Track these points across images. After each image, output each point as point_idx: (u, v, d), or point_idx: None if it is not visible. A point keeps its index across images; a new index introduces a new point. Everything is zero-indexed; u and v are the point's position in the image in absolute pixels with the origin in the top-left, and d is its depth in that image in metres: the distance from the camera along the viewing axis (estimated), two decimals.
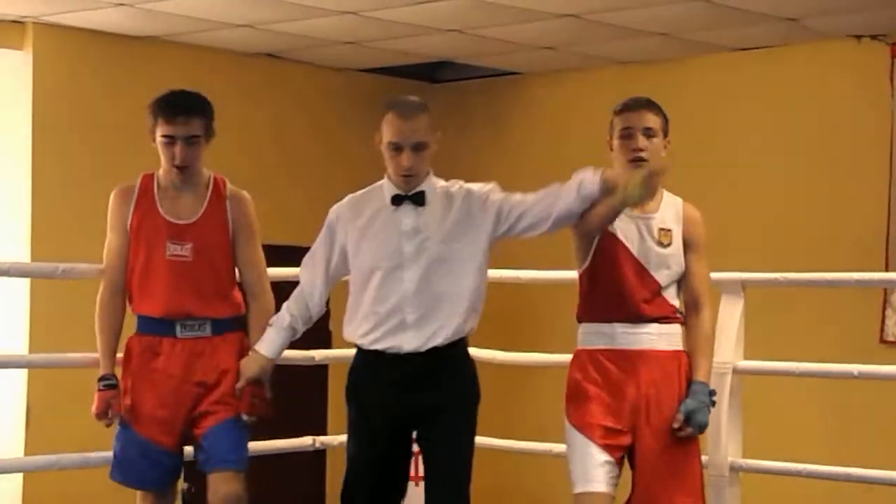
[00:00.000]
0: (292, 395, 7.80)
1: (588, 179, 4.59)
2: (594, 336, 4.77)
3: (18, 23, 8.26)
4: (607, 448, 4.56)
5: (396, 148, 4.58)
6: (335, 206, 4.88)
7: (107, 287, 4.92)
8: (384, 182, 4.76)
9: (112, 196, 4.90)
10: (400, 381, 4.66)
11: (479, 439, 5.24)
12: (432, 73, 9.64)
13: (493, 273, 5.57)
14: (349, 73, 9.75)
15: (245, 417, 4.85)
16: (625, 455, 4.62)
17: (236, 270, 5.01)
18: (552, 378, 8.18)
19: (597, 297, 4.76)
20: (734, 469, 5.68)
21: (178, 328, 4.80)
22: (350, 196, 4.85)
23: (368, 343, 4.68)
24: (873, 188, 8.13)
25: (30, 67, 8.65)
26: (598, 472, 4.57)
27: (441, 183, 4.78)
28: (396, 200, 4.66)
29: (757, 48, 8.71)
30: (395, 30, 8.41)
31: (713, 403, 4.84)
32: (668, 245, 4.78)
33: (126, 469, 4.93)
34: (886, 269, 7.76)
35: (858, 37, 8.12)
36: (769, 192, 8.89)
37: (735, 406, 5.65)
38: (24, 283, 9.02)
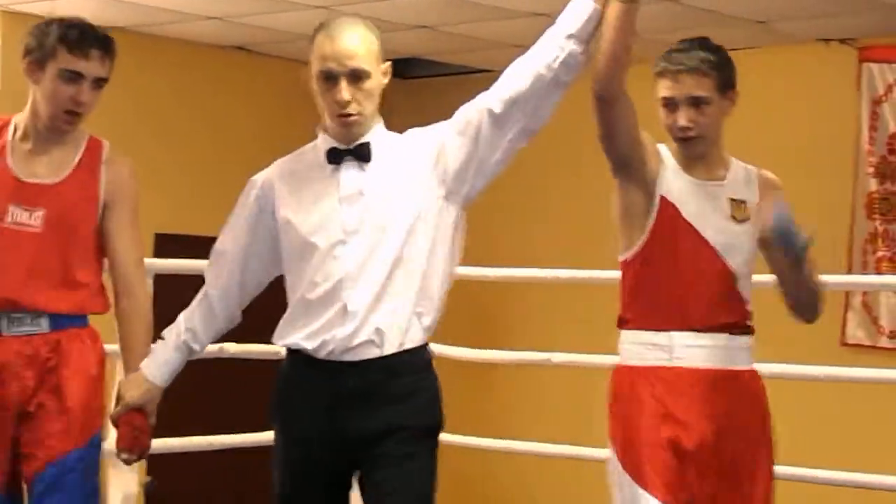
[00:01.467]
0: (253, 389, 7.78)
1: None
2: (643, 349, 3.79)
3: None
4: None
5: (328, 77, 3.74)
6: (255, 176, 4.06)
7: None
8: (319, 137, 3.97)
9: None
10: (338, 396, 3.76)
11: (447, 437, 5.09)
12: (401, 69, 9.47)
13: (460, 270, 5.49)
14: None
15: (122, 455, 3.92)
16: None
17: (104, 257, 3.99)
18: (517, 377, 8.20)
19: (647, 293, 3.81)
20: None
21: (3, 323, 3.80)
22: (277, 161, 4.09)
23: (298, 341, 3.80)
24: (838, 191, 8.20)
25: None
26: None
27: (393, 135, 3.97)
28: (334, 156, 3.83)
29: (727, 50, 8.62)
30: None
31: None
32: (744, 221, 3.86)
33: None
34: (849, 272, 7.86)
35: (827, 40, 8.12)
36: None
37: None
38: None
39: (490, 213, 8.90)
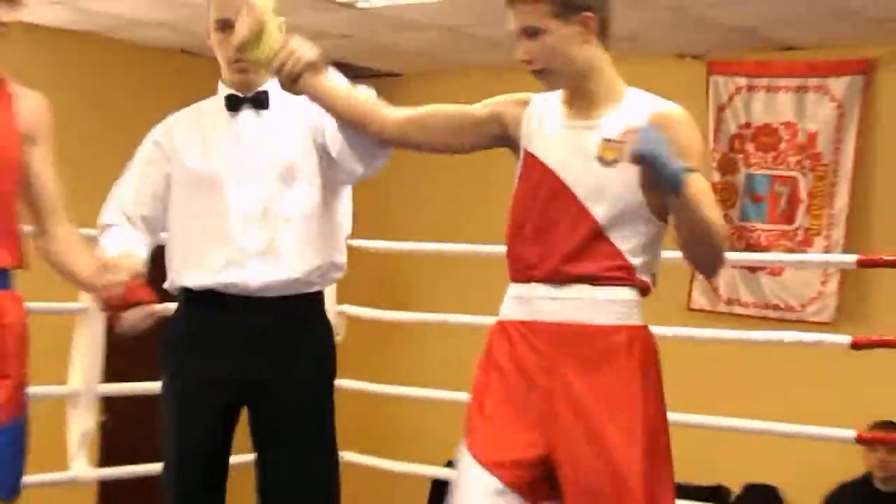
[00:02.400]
0: None
1: None
2: (510, 303, 3.34)
3: None
4: (510, 477, 3.16)
5: (224, 26, 3.65)
6: (157, 126, 3.98)
7: None
8: (219, 85, 3.92)
9: None
10: (232, 338, 3.70)
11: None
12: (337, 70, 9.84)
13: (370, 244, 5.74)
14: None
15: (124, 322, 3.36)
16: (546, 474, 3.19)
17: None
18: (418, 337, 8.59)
19: (514, 243, 3.33)
20: None
21: None
22: (179, 113, 4.02)
23: (194, 281, 3.75)
24: None
25: None
26: None
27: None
28: (233, 103, 3.81)
29: None
30: (302, 33, 8.56)
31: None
32: (614, 163, 3.15)
33: None
34: None
35: (682, 56, 8.50)
36: None
37: None
38: None
39: (390, 189, 9.13)
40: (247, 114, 3.80)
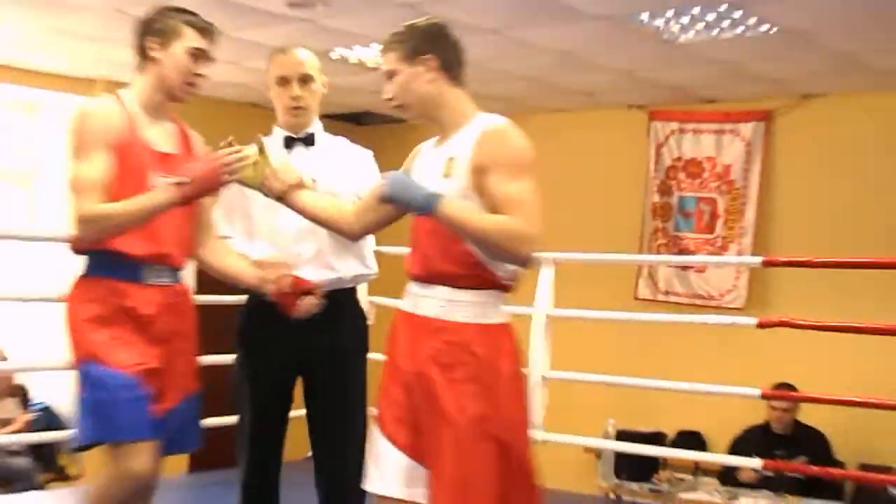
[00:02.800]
0: None
1: None
2: (405, 296, 3.24)
3: (91, 80, 7.99)
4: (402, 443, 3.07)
5: (283, 81, 3.79)
6: None
7: None
8: (275, 129, 3.91)
9: None
10: (293, 323, 3.55)
11: None
12: (357, 118, 9.54)
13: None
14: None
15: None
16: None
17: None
18: None
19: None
20: (544, 379, 5.66)
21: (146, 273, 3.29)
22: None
23: None
24: (636, 201, 8.42)
25: None
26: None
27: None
28: (288, 142, 3.84)
29: (564, 111, 8.77)
30: (340, 89, 8.47)
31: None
32: (449, 177, 3.09)
33: None
34: (640, 252, 8.18)
35: (630, 106, 8.42)
36: (561, 211, 8.46)
37: (547, 337, 5.66)
38: None
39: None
40: (299, 150, 3.81)
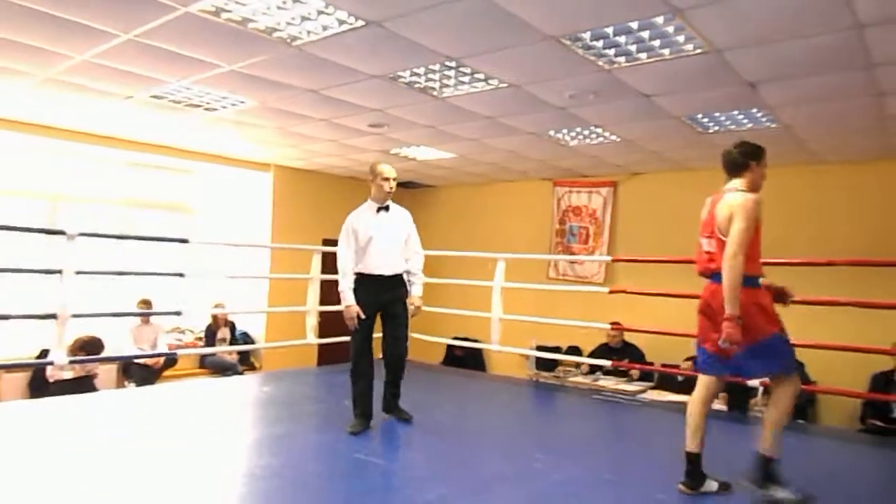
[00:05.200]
0: None
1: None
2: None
3: (266, 164, 8.00)
4: None
5: (387, 178, 3.85)
6: (350, 217, 3.89)
7: None
8: (369, 202, 3.90)
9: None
10: (380, 287, 3.80)
11: None
12: (405, 184, 9.28)
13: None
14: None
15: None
16: None
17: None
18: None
19: None
20: (500, 319, 5.52)
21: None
22: (354, 212, 3.89)
23: (369, 270, 3.82)
24: (546, 231, 8.20)
25: (271, 181, 8.05)
26: None
27: (395, 205, 3.98)
28: (378, 209, 3.88)
29: (511, 181, 8.55)
30: (397, 169, 8.60)
31: None
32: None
33: None
34: (550, 252, 8.16)
35: (543, 179, 8.24)
36: (510, 233, 8.52)
37: (500, 297, 5.54)
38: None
39: (429, 226, 9.02)
40: (382, 213, 3.89)
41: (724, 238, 2.69)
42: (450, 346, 8.31)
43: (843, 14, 3.12)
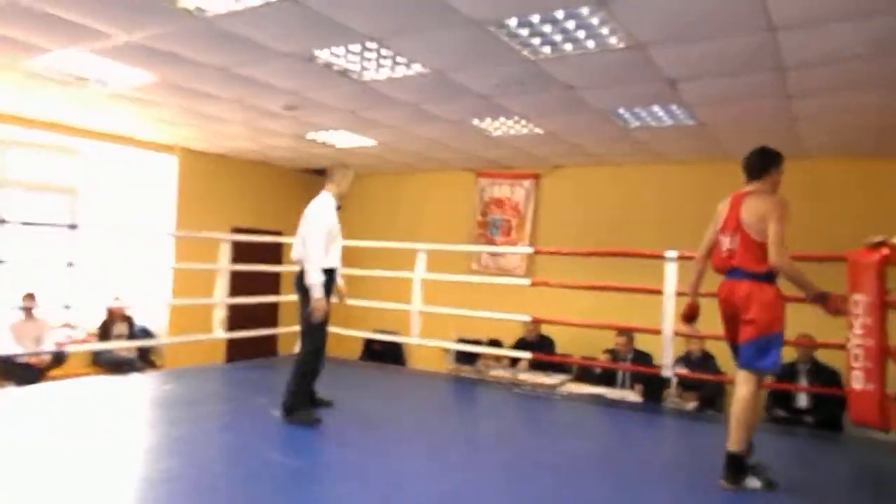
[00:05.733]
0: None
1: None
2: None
3: (170, 146, 7.64)
4: None
5: (350, 185, 4.02)
6: (326, 211, 3.86)
7: None
8: (331, 197, 3.92)
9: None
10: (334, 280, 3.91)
11: None
12: (321, 171, 9.41)
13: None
14: (293, 170, 9.09)
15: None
16: None
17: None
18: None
19: None
20: (420, 311, 5.50)
21: None
22: (326, 206, 3.85)
23: (330, 265, 3.87)
24: (469, 221, 8.23)
25: (176, 164, 7.70)
26: None
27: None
28: (338, 207, 3.97)
29: (433, 171, 8.51)
30: (313, 155, 8.02)
31: None
32: None
33: None
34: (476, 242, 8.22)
35: (465, 169, 8.26)
36: (433, 224, 8.55)
37: (422, 289, 5.52)
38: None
39: (353, 218, 9.10)
40: (338, 212, 3.97)
41: (753, 237, 2.90)
42: (368, 341, 8.23)
43: (759, 17, 3.27)
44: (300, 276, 3.82)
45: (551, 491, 2.79)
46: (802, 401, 5.36)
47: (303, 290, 3.78)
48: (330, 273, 3.83)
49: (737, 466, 2.90)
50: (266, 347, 8.27)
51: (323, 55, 4.26)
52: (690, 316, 3.33)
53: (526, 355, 5.78)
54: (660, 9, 3.29)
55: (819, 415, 5.13)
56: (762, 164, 3.06)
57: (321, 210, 3.83)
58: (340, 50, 4.15)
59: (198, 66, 4.54)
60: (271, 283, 8.34)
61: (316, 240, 3.72)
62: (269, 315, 8.23)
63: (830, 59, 3.73)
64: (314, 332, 3.78)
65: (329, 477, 2.83)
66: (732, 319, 2.99)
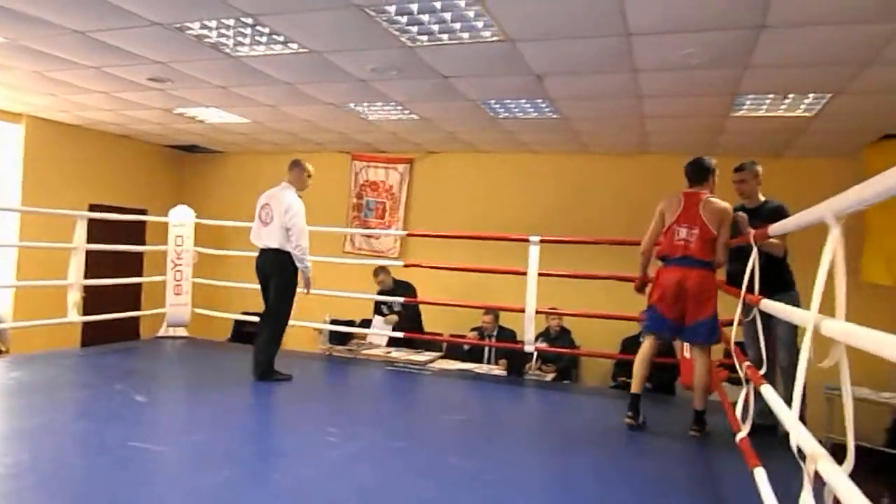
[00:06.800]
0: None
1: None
2: None
3: (16, 114, 7.10)
4: None
5: (309, 176, 4.26)
6: (299, 199, 4.14)
7: None
8: (294, 189, 4.19)
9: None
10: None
11: None
12: (189, 149, 8.80)
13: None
14: (159, 146, 8.69)
15: None
16: None
17: None
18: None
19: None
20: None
21: None
22: (298, 196, 4.14)
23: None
24: (343, 204, 8.18)
25: (23, 134, 7.15)
26: None
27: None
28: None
29: (309, 152, 8.22)
30: (180, 131, 7.76)
31: None
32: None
33: None
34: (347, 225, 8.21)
35: (341, 152, 8.15)
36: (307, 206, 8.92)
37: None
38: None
39: (216, 205, 8.81)
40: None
41: (711, 233, 3.27)
42: (238, 322, 7.91)
43: (617, 21, 3.48)
44: (272, 259, 4.13)
45: (432, 463, 2.82)
46: None
47: (278, 271, 4.11)
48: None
49: (702, 419, 3.36)
50: (128, 331, 7.77)
51: (194, 27, 3.99)
52: (641, 287, 3.73)
53: (396, 334, 5.81)
54: (530, 7, 3.39)
55: (655, 381, 5.58)
56: (706, 172, 3.41)
57: (297, 200, 4.12)
58: (213, 23, 3.91)
59: (51, 27, 4.09)
60: (134, 264, 7.84)
61: (301, 223, 4.07)
62: (131, 297, 7.76)
63: (676, 65, 4.04)
64: (286, 308, 4.17)
65: (197, 463, 2.67)
66: (679, 300, 3.27)
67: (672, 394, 5.52)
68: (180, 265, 5.94)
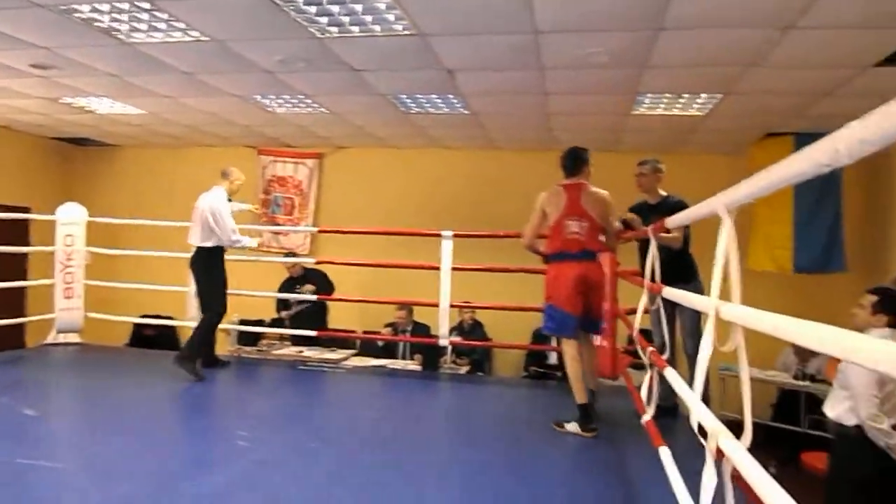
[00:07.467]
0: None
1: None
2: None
3: None
4: None
5: (240, 185, 4.47)
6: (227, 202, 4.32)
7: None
8: (225, 194, 4.39)
9: None
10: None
11: None
12: (78, 141, 8.25)
13: None
14: (44, 139, 8.11)
15: None
16: None
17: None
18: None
19: None
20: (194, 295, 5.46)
21: None
22: (225, 199, 4.29)
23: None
24: (251, 202, 8.06)
25: None
26: None
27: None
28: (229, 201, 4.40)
29: (212, 146, 8.01)
30: (67, 122, 7.33)
31: None
32: None
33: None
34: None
35: (248, 146, 7.83)
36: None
37: None
38: None
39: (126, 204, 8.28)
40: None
41: (598, 223, 3.27)
42: (137, 325, 7.46)
43: (525, 19, 3.54)
44: (195, 255, 4.28)
45: (338, 467, 2.75)
46: (553, 358, 6.05)
47: (201, 268, 4.25)
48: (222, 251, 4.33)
49: (588, 413, 3.27)
50: (11, 339, 7.11)
51: (83, 10, 3.69)
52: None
53: (309, 333, 5.66)
54: (442, 2, 3.38)
55: (565, 369, 5.77)
56: (580, 161, 3.37)
57: (220, 199, 4.28)
58: (105, 6, 3.63)
59: None
60: (16, 267, 7.20)
61: (226, 215, 4.23)
62: (13, 302, 7.12)
63: (580, 63, 4.16)
64: (219, 298, 4.29)
65: (94, 478, 2.48)
66: (585, 294, 3.22)
67: None
68: (71, 267, 5.53)
